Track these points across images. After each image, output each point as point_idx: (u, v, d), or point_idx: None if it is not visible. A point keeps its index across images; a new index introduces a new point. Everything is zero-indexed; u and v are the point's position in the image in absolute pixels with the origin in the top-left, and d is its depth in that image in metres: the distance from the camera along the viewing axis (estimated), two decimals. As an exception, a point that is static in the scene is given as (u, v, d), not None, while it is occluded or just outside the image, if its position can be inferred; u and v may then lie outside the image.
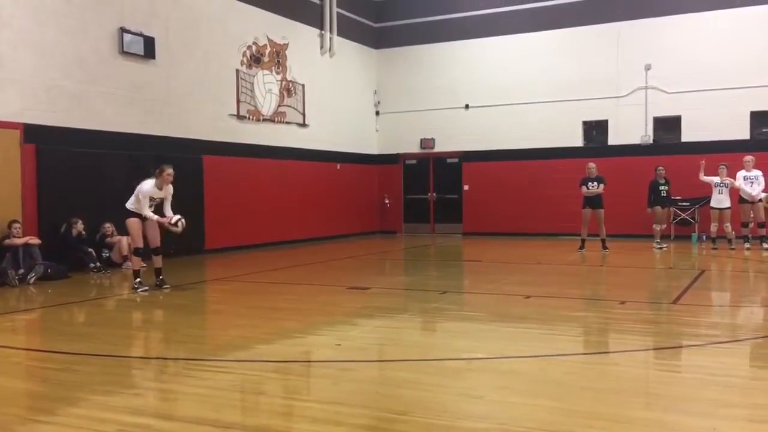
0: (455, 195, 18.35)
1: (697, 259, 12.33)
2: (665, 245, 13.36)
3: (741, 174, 13.12)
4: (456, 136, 18.05)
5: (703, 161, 13.27)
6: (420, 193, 18.91)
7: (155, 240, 8.70)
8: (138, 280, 8.62)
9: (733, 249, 12.89)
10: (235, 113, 14.28)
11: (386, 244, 16.47)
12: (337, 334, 6.17)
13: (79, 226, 10.63)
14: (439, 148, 18.41)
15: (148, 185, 8.54)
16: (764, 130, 14.96)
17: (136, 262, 8.82)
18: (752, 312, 7.53)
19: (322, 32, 16.87)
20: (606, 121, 16.48)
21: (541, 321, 6.72)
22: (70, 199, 10.73)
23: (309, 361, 5.34)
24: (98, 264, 10.62)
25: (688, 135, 15.60)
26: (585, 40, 16.61)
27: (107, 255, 11.05)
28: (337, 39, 17.21)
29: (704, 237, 14.21)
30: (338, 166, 17.39)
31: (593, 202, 13.12)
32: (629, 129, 16.13)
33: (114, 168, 11.47)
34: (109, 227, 11.14)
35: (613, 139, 16.38)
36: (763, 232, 13.08)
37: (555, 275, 10.66)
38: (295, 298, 8.34)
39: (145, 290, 8.51)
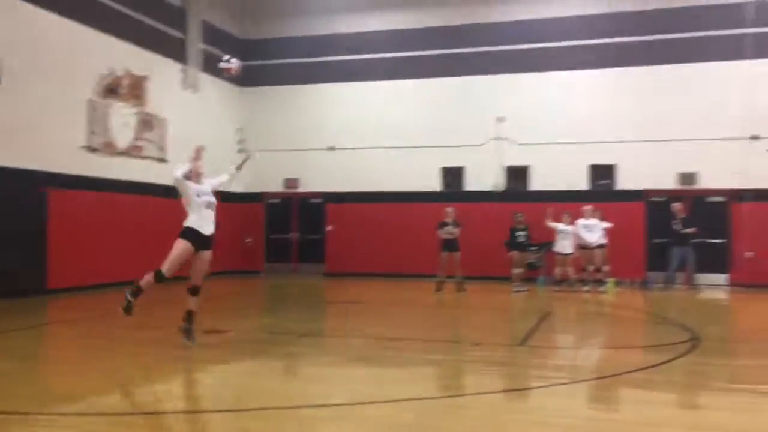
0: (318, 235, 18.38)
1: (543, 301, 13.08)
2: (525, 289, 14.03)
3: (581, 222, 14.21)
4: (320, 177, 18.18)
5: (551, 208, 14.22)
6: (283, 232, 18.76)
7: (199, 277, 7.33)
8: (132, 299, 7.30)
9: (574, 292, 13.83)
10: (87, 145, 13.54)
11: (247, 285, 16.12)
12: (189, 381, 5.92)
13: None
14: (303, 188, 18.43)
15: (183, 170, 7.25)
16: (601, 182, 16.31)
17: (147, 284, 7.23)
18: (591, 353, 8.08)
19: (185, 67, 16.51)
20: (463, 168, 17.27)
21: (398, 364, 6.82)
22: None
23: (157, 413, 5.07)
24: None
25: (535, 184, 16.69)
26: (444, 90, 17.45)
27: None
28: (201, 75, 16.91)
29: (550, 280, 15.12)
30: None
31: (450, 245, 13.65)
32: (484, 176, 17.01)
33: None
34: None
35: (469, 185, 17.19)
36: (600, 276, 14.16)
37: (413, 317, 10.91)
38: (145, 343, 7.91)
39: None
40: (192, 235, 7.26)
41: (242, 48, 18.79)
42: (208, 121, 17.35)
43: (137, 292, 7.27)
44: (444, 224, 13.79)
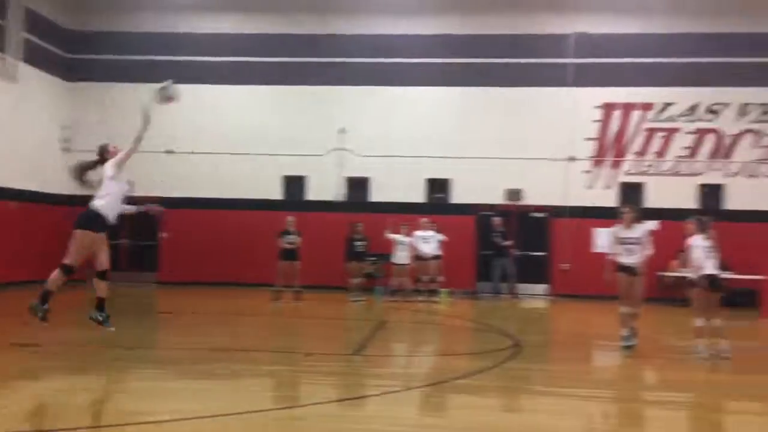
0: (152, 242, 17.47)
1: (379, 311, 13.32)
2: (363, 298, 14.22)
3: (418, 233, 14.70)
4: (156, 181, 17.29)
5: (392, 220, 14.57)
6: (113, 238, 17.52)
7: (106, 261, 7.11)
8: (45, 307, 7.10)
9: (409, 302, 14.24)
10: None
11: (68, 294, 14.89)
12: (-7, 402, 5.35)
13: None
14: (138, 192, 17.36)
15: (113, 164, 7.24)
16: (437, 195, 16.99)
17: (54, 282, 6.99)
18: (423, 361, 8.34)
19: (2, 56, 15.06)
20: (305, 177, 17.24)
21: (229, 377, 6.62)
22: None
23: (-48, 439, 4.52)
24: None
25: (375, 195, 17.05)
26: (287, 98, 17.35)
27: None
28: (21, 65, 15.51)
29: (387, 290, 15.44)
30: (14, 205, 15.42)
31: (290, 254, 13.57)
32: (326, 186, 17.09)
33: None
34: None
35: (311, 194, 17.20)
36: (434, 286, 14.70)
37: (247, 327, 10.67)
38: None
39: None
40: (96, 222, 7.29)
41: (68, 40, 17.53)
42: (28, 116, 15.95)
43: (47, 296, 7.14)
44: (285, 233, 13.70)
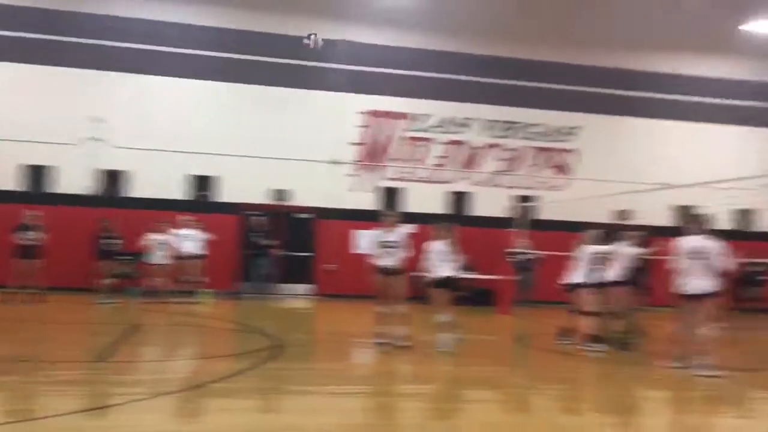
0: None
1: (132, 313, 12.44)
2: (114, 301, 13.12)
3: (178, 232, 14.02)
4: None
5: (153, 220, 13.70)
6: None
7: None
8: None
9: (167, 303, 13.49)
10: None
11: None
12: None
13: None
14: None
15: None
16: (201, 192, 16.38)
17: None
18: (176, 365, 7.92)
19: None
20: (51, 167, 15.58)
21: (-58, 392, 5.69)
22: None
23: None
24: None
25: (133, 190, 15.95)
26: (32, 79, 15.58)
27: None
28: None
29: (142, 291, 14.48)
30: None
31: (28, 252, 12.21)
32: (76, 178, 15.60)
33: None
34: None
35: (59, 186, 15.58)
36: (195, 287, 14.10)
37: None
38: None
39: None
40: None
41: None
42: None
43: None
44: (23, 228, 12.29)
